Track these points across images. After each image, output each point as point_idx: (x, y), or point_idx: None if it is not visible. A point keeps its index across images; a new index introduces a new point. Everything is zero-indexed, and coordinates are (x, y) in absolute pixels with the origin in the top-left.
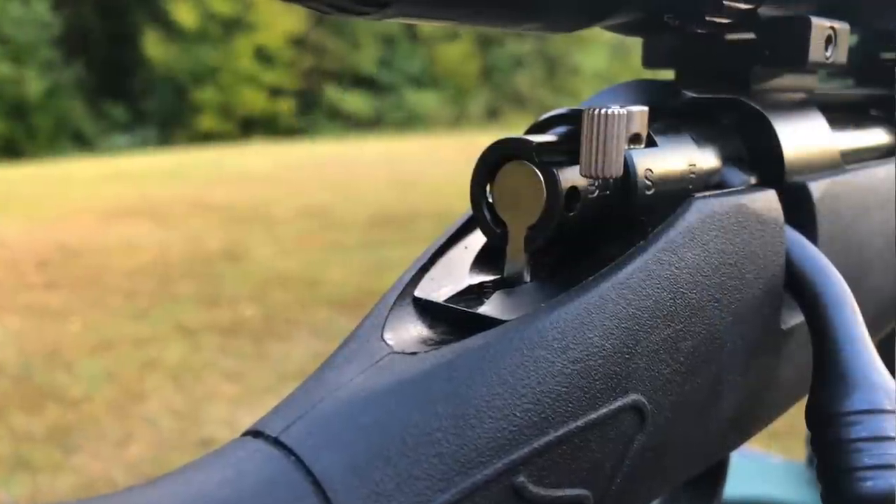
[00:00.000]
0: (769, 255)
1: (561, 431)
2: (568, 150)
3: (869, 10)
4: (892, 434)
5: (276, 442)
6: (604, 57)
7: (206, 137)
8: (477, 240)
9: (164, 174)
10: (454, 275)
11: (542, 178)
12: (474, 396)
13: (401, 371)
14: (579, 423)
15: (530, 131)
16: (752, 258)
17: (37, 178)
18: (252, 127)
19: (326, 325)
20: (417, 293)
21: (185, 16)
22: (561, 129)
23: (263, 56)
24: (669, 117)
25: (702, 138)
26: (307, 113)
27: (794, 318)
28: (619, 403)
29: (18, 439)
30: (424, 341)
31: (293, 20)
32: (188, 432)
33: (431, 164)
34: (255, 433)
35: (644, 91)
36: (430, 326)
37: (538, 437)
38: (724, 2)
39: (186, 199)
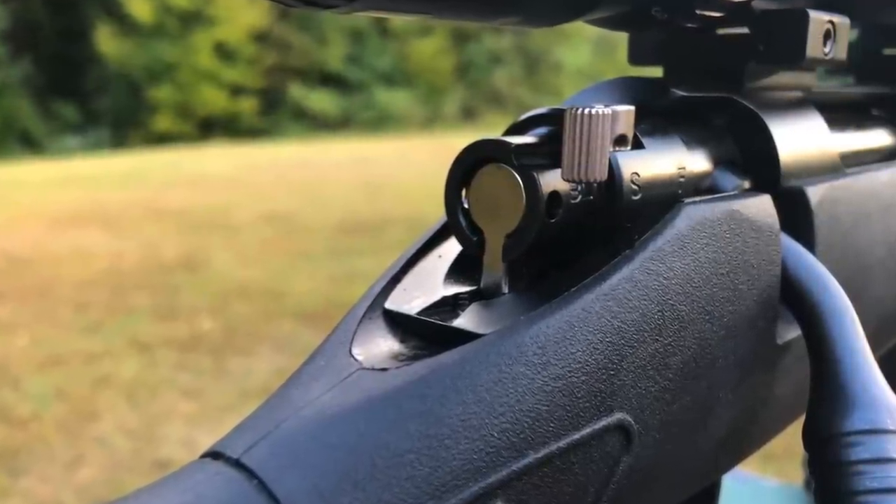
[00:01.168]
0: (764, 264)
1: (541, 453)
2: (549, 153)
3: (870, 4)
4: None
5: (238, 464)
6: (587, 53)
7: (163, 139)
8: (452, 248)
9: (117, 178)
10: (427, 285)
11: (521, 183)
12: (448, 415)
13: (370, 388)
14: (561, 443)
15: (509, 132)
16: (745, 268)
17: None
18: (211, 127)
19: (291, 339)
20: (388, 305)
21: (140, 9)
22: (541, 130)
23: (224, 52)
24: (657, 117)
25: (692, 140)
26: (270, 113)
27: (791, 332)
28: (603, 423)
29: None
30: (395, 356)
31: (255, 14)
32: (143, 453)
33: (403, 168)
34: (214, 454)
35: (630, 89)
36: (402, 340)
37: (517, 459)
38: None
39: (141, 204)
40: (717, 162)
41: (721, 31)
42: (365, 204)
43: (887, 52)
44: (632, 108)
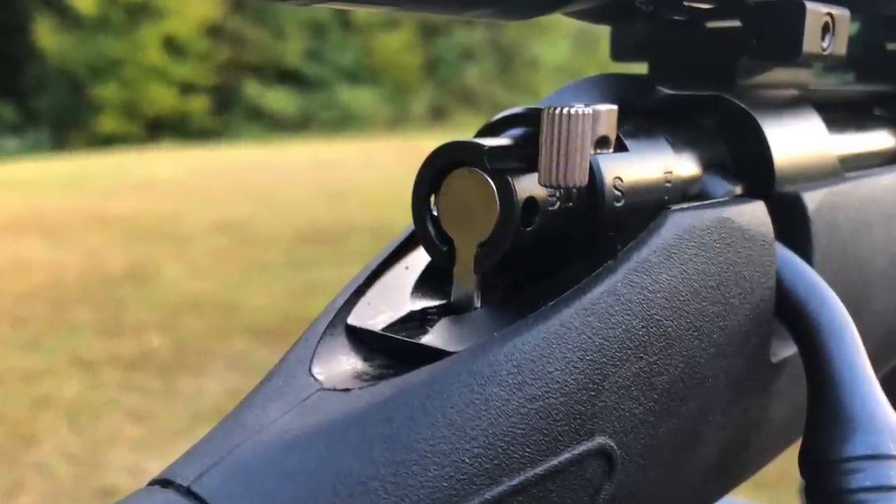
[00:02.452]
0: (757, 276)
1: (516, 480)
2: (525, 156)
3: None
4: None
5: (189, 492)
6: (566, 48)
7: (108, 141)
8: (420, 259)
9: (58, 183)
10: (393, 299)
11: (494, 188)
12: (416, 440)
13: (332, 410)
14: (538, 470)
15: (481, 133)
16: (737, 280)
17: None
18: (160, 128)
19: (246, 357)
20: (351, 320)
21: (83, 1)
22: (517, 132)
23: (173, 47)
24: (642, 117)
25: (679, 142)
26: (224, 112)
27: (786, 349)
28: (583, 448)
29: None
30: (359, 376)
31: (207, 6)
32: (86, 480)
33: (367, 172)
34: (163, 482)
35: (612, 87)
36: (366, 359)
37: (490, 487)
38: None
39: (84, 211)
40: (707, 166)
41: (711, 25)
42: (326, 211)
43: (890, 46)
44: (614, 107)
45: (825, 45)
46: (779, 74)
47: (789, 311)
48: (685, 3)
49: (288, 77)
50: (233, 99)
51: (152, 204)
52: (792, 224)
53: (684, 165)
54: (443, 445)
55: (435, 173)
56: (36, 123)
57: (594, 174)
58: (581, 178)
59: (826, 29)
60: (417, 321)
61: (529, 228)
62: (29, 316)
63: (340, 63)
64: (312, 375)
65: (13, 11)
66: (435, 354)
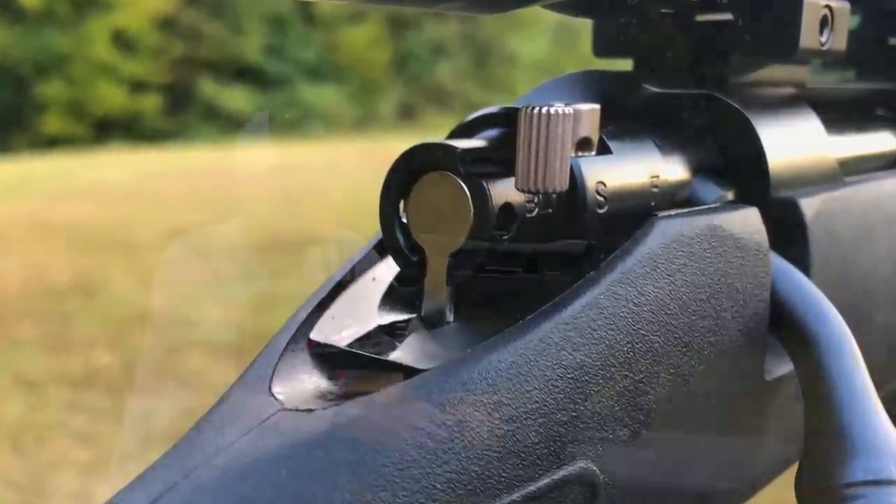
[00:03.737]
0: (750, 287)
1: None
2: (501, 159)
3: None
4: None
5: None
6: (545, 43)
7: (53, 142)
8: (388, 270)
9: None
10: (359, 313)
11: (468, 193)
12: (384, 464)
13: (293, 432)
14: (515, 497)
15: (454, 135)
16: (729, 292)
17: None
18: (109, 129)
19: (201, 375)
20: (314, 336)
21: None
22: (492, 133)
23: (123, 41)
24: (627, 118)
25: (667, 144)
26: (177, 112)
27: (782, 367)
28: (563, 473)
29: None
30: (322, 395)
31: None
32: None
33: (332, 175)
34: None
35: (595, 85)
36: (330, 377)
37: None
38: None
39: (27, 218)
40: (697, 169)
41: (701, 18)
42: (287, 218)
43: (893, 42)
44: (597, 106)
45: (823, 40)
46: (774, 71)
47: (785, 326)
48: None
49: (246, 74)
50: (187, 98)
51: (101, 210)
52: (788, 232)
53: (672, 169)
54: (412, 470)
55: (404, 177)
56: None
57: (575, 178)
58: (561, 183)
59: (824, 23)
60: (385, 336)
61: (506, 237)
62: None
63: (303, 59)
64: (273, 395)
65: None
66: (404, 372)
